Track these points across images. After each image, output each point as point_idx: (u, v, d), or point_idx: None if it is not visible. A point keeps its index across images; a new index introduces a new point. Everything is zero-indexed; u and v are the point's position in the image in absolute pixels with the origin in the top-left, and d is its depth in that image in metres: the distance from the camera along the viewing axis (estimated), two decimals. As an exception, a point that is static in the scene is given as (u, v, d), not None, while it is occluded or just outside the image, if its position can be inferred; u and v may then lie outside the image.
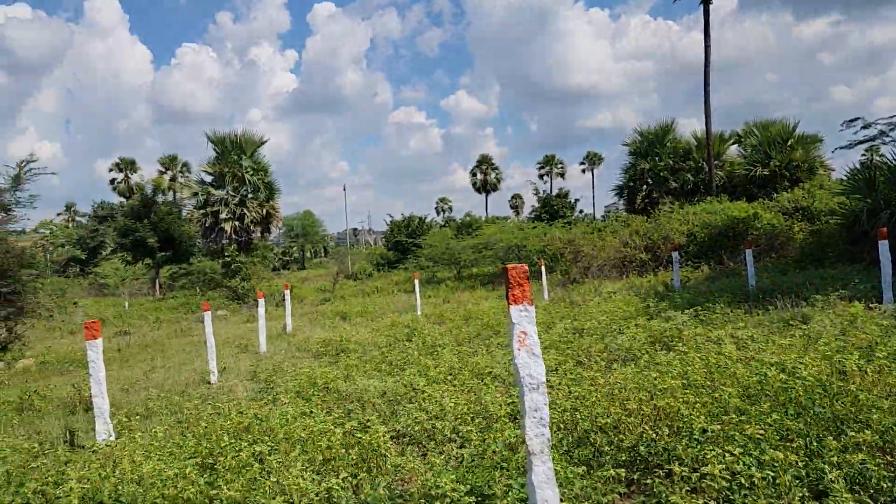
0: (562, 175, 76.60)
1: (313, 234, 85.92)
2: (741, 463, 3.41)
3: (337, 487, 3.90)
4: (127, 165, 68.44)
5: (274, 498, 3.79)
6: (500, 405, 5.65)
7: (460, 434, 5.15)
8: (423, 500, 3.70)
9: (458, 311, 17.37)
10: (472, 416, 5.57)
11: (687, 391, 4.78)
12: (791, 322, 9.46)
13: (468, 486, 3.64)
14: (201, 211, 31.39)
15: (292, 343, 15.60)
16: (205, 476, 4.29)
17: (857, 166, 18.68)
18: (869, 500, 3.14)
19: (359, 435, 4.81)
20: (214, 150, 32.47)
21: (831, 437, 3.67)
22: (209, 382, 11.03)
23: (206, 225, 31.49)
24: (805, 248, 19.51)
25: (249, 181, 31.63)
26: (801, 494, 3.18)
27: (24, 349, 15.73)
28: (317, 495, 3.88)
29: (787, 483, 3.24)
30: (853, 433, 3.61)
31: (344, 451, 4.61)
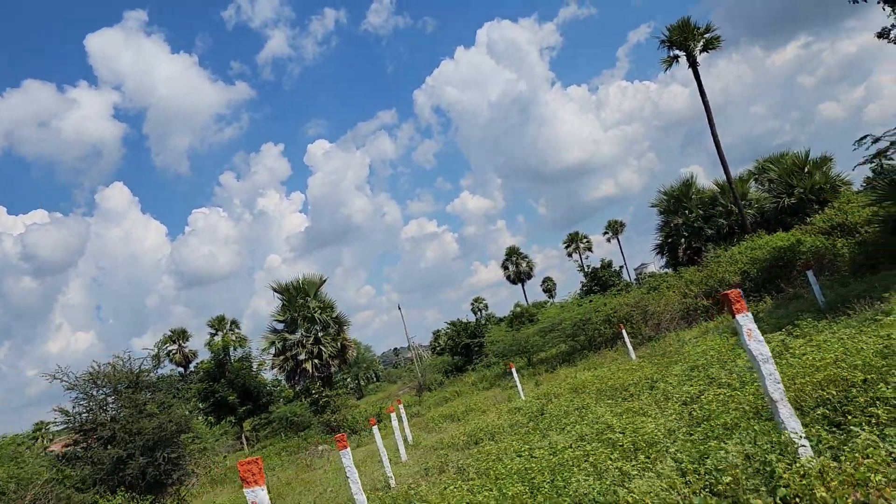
0: (589, 249, 78.90)
1: (364, 362, 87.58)
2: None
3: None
4: (179, 336, 71.37)
5: None
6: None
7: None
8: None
9: (561, 386, 18.86)
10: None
11: (838, 365, 6.54)
12: (877, 318, 11.06)
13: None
14: (281, 357, 33.48)
15: (425, 447, 17.26)
16: None
17: (871, 175, 20.43)
18: None
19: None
20: (280, 298, 34.94)
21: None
22: (389, 486, 12.67)
23: (289, 369, 33.50)
24: (856, 260, 21.07)
25: (319, 319, 33.88)
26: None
27: (188, 507, 17.39)
28: None
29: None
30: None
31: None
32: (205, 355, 60.13)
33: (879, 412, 4.82)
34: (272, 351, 33.96)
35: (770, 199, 31.67)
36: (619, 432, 7.49)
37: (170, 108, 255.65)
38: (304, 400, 34.45)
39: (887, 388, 5.19)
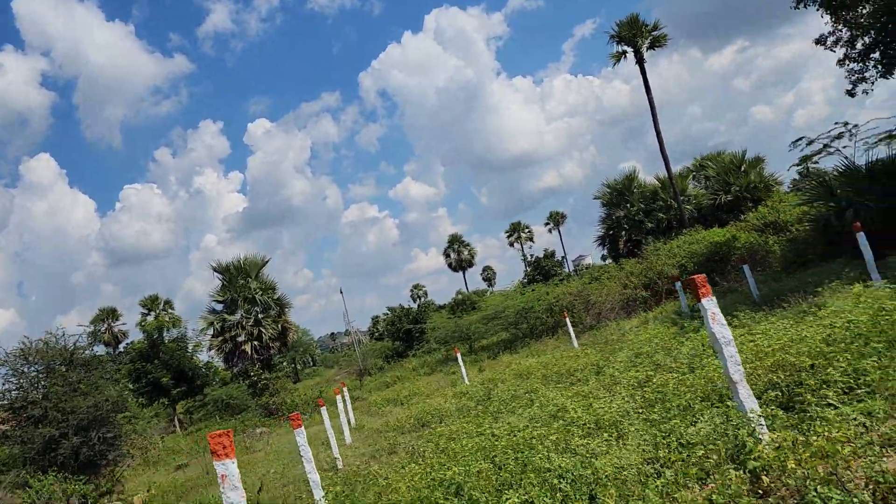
0: (531, 239, 79.94)
1: (301, 346, 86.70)
2: (846, 376, 5.49)
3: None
4: (108, 315, 69.15)
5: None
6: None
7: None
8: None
9: (505, 372, 19.11)
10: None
11: (785, 351, 6.88)
12: (811, 312, 11.63)
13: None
14: (220, 338, 32.85)
15: (370, 430, 17.29)
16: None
17: (797, 177, 21.63)
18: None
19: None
20: (219, 278, 34.25)
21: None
22: (336, 468, 12.66)
23: (227, 350, 32.90)
24: (787, 257, 22.05)
25: (260, 301, 33.35)
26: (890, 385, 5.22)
27: (123, 492, 16.96)
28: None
29: (877, 379, 5.31)
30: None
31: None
32: (136, 336, 58.42)
33: (829, 394, 5.11)
34: (210, 332, 33.27)
35: (708, 196, 32.79)
36: (575, 414, 7.68)
37: (103, 77, 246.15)
38: (241, 382, 33.94)
39: (835, 372, 5.49)
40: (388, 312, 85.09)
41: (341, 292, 57.37)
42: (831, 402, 4.99)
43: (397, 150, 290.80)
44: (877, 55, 18.70)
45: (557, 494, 3.91)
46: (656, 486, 3.68)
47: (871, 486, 3.23)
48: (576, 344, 20.89)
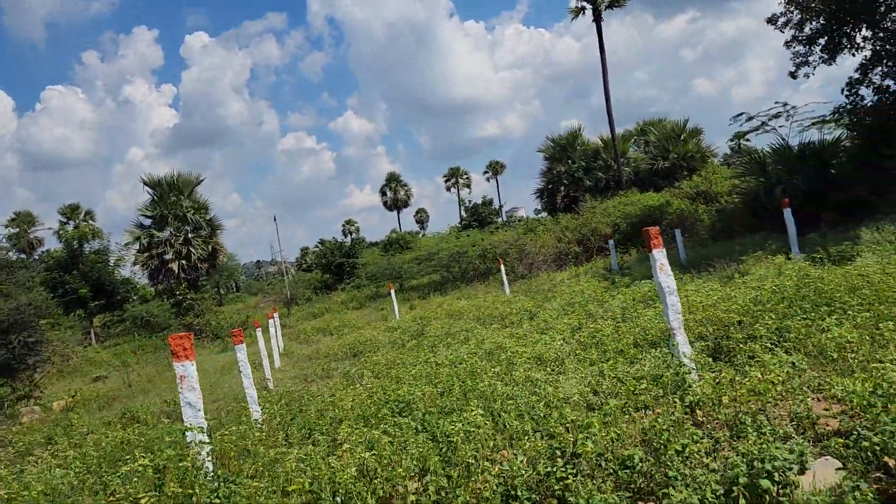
0: (468, 185, 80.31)
1: (226, 270, 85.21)
2: (771, 333, 5.97)
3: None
4: (24, 220, 66.19)
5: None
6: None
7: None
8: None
9: (436, 311, 19.48)
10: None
11: (715, 308, 7.37)
12: (734, 277, 12.33)
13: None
14: (146, 254, 32.03)
15: (300, 356, 17.47)
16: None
17: (729, 152, 22.61)
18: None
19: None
20: (150, 193, 33.20)
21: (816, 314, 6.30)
22: (267, 388, 12.81)
23: (153, 267, 32.16)
24: (715, 226, 23.06)
25: (191, 220, 32.59)
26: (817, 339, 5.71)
27: (41, 398, 16.69)
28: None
29: (805, 330, 5.79)
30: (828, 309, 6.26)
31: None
32: (52, 244, 56.16)
33: (756, 346, 5.57)
34: (136, 247, 32.37)
35: (647, 161, 33.66)
36: (515, 350, 8.04)
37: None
38: (165, 301, 33.33)
39: (762, 329, 5.97)
40: (319, 245, 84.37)
41: (275, 220, 56.35)
42: (756, 354, 5.44)
43: (341, 83, 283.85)
44: (823, 41, 19.37)
45: (511, 415, 4.19)
46: (602, 413, 4.00)
47: (794, 422, 3.63)
48: (507, 291, 21.40)
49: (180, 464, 4.09)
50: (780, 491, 2.87)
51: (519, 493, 3.30)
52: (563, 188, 35.12)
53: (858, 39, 18.67)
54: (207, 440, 4.81)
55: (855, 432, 3.27)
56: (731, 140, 30.29)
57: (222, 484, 3.93)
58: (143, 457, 4.41)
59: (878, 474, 3.07)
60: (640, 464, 3.25)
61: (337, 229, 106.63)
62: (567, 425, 4.00)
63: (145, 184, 33.01)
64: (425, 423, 4.45)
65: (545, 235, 27.67)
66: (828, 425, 3.66)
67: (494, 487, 3.29)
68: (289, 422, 6.82)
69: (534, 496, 3.32)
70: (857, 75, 17.69)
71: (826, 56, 19.42)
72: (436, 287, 30.42)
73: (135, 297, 46.43)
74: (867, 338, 4.56)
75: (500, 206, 39.05)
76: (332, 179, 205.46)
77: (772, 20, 21.08)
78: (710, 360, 5.62)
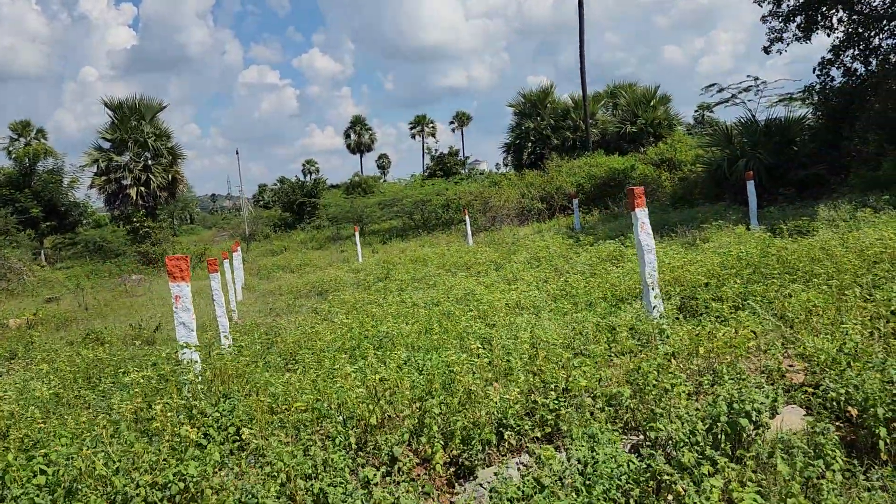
0: (433, 135, 79.79)
1: (181, 201, 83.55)
2: (737, 296, 6.31)
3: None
4: (-30, 132, 63.47)
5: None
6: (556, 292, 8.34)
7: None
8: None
9: (400, 257, 19.63)
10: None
11: (684, 269, 7.70)
12: (696, 243, 12.75)
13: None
14: (104, 178, 31.27)
15: (262, 290, 17.51)
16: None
17: (692, 122, 23.07)
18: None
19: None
20: (110, 115, 32.23)
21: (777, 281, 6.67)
22: (232, 319, 12.88)
23: (110, 192, 31.47)
24: (676, 193, 23.59)
25: (152, 146, 31.83)
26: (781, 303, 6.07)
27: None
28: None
29: (773, 294, 6.14)
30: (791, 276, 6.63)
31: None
32: (2, 161, 53.86)
33: (724, 307, 5.89)
34: (94, 170, 31.55)
35: (615, 124, 33.97)
36: (490, 296, 8.27)
37: None
38: (121, 227, 32.68)
39: (729, 291, 6.30)
40: (279, 183, 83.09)
41: (237, 154, 55.30)
42: (723, 314, 5.77)
43: (308, 18, 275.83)
44: (799, 19, 19.66)
45: (499, 352, 4.40)
46: (589, 355, 4.25)
47: (765, 374, 3.94)
48: (471, 241, 21.65)
49: (182, 377, 4.21)
50: (755, 431, 3.16)
51: (511, 423, 3.54)
52: (530, 144, 35.29)
53: (834, 21, 19.04)
54: (198, 359, 4.94)
55: (822, 384, 3.59)
56: (697, 110, 30.89)
57: (222, 399, 4.08)
58: (137, 371, 4.50)
59: (838, 423, 3.39)
60: (629, 400, 3.51)
61: (296, 168, 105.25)
62: (560, 362, 4.24)
63: (106, 105, 32.00)
64: (413, 357, 4.63)
65: (510, 190, 27.90)
66: (793, 379, 3.98)
67: (494, 412, 3.52)
68: (266, 350, 6.95)
69: (526, 425, 3.57)
70: (830, 56, 18.09)
71: (801, 34, 19.75)
72: (397, 233, 30.52)
73: (87, 222, 45.36)
74: (832, 303, 4.90)
75: (467, 158, 39.02)
76: (294, 118, 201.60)
77: (750, -10, 21.24)
78: (681, 317, 5.93)
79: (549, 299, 7.96)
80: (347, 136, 79.28)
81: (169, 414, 3.55)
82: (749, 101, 21.87)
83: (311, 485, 2.86)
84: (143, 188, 31.34)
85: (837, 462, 2.89)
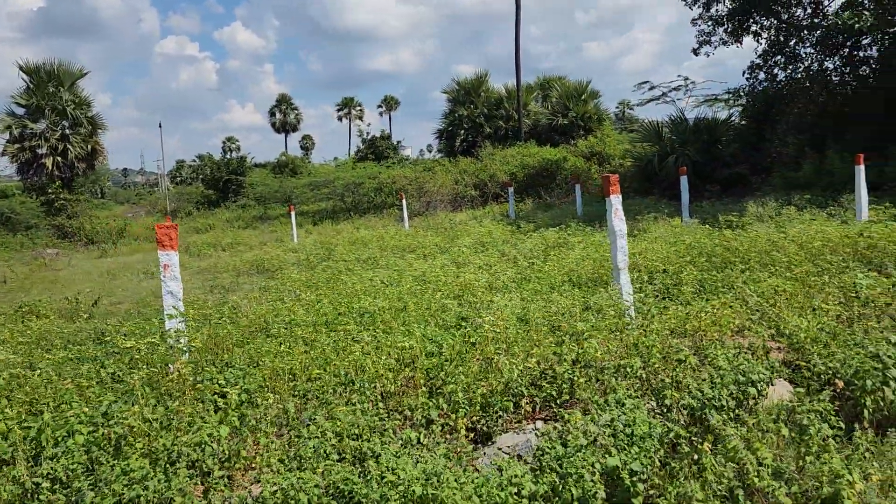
0: (360, 118, 78.96)
1: (95, 174, 79.62)
2: (694, 278, 6.69)
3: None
4: None
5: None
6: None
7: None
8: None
9: (336, 238, 19.48)
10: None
11: (643, 257, 8.07)
12: (635, 233, 13.27)
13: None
14: (17, 145, 29.48)
15: (195, 268, 17.06)
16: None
17: (614, 118, 24.00)
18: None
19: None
20: (26, 80, 30.42)
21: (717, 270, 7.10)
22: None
23: (23, 160, 29.72)
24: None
25: (71, 115, 30.21)
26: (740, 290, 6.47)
27: None
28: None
29: (737, 279, 6.53)
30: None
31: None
32: None
33: (684, 291, 6.25)
34: (6, 136, 29.70)
35: (546, 116, 34.66)
36: (445, 280, 8.39)
37: None
38: (34, 198, 30.98)
39: (687, 277, 6.68)
40: (198, 159, 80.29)
41: (160, 127, 53.17)
42: (686, 298, 6.12)
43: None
44: (728, 24, 20.58)
45: (484, 330, 4.53)
46: (592, 332, 4.45)
47: (751, 351, 4.25)
48: (407, 225, 21.71)
49: (183, 345, 4.16)
50: (756, 399, 3.44)
51: (524, 391, 3.70)
52: (463, 132, 35.55)
53: (758, 28, 20.04)
54: (184, 331, 4.87)
55: (809, 359, 3.93)
56: (618, 106, 31.85)
57: (225, 367, 4.06)
58: (131, 339, 4.41)
59: (824, 394, 3.72)
60: (641, 370, 3.74)
61: (214, 144, 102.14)
62: (569, 334, 4.42)
63: (21, 69, 30.12)
64: (419, 330, 4.71)
65: (444, 176, 28.09)
66: (775, 356, 4.32)
67: (516, 377, 3.67)
68: (233, 323, 6.85)
69: (543, 393, 3.74)
70: (758, 61, 19.04)
71: (728, 38, 20.68)
72: (328, 215, 30.19)
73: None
74: (800, 289, 5.30)
75: (398, 143, 38.92)
76: (213, 92, 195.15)
77: (680, -7, 22.01)
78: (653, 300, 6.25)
79: (510, 282, 8.16)
80: (272, 114, 77.51)
81: (188, 379, 3.52)
82: (678, 99, 22.86)
83: (360, 444, 2.93)
84: (59, 158, 29.73)
85: (830, 427, 3.20)
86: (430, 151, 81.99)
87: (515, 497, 2.53)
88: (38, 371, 3.89)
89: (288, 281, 11.31)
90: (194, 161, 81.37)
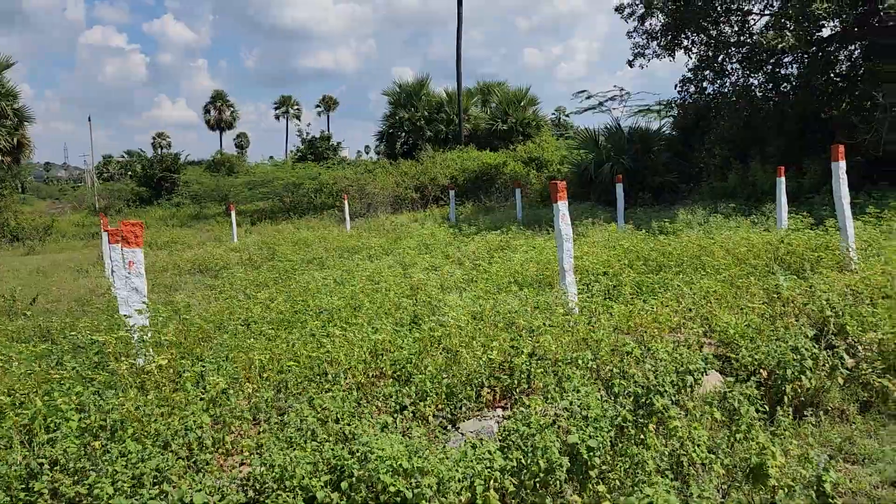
0: (298, 117, 78.23)
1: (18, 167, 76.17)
2: (633, 280, 7.17)
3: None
4: None
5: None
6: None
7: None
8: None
9: (277, 238, 19.42)
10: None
11: (582, 260, 8.51)
12: (574, 238, 13.79)
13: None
14: (-64, 136, 28.20)
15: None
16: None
17: (550, 124, 24.73)
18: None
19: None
20: (-54, 68, 29.14)
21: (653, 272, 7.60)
22: (109, 291, 12.36)
23: (-57, 153, 28.47)
24: (545, 191, 25.03)
25: (-5, 106, 29.09)
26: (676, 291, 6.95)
27: None
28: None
29: (674, 281, 7.02)
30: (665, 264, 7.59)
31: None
32: None
33: (624, 291, 6.69)
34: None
35: (486, 121, 35.28)
36: (391, 278, 8.65)
37: None
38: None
39: (626, 279, 7.14)
40: (126, 155, 77.83)
41: (89, 121, 51.41)
42: (626, 298, 6.56)
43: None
44: (661, 38, 21.47)
45: (440, 330, 4.82)
46: (546, 328, 4.79)
47: (687, 345, 4.69)
48: (349, 227, 21.82)
49: (150, 339, 4.30)
50: (693, 387, 3.85)
51: (486, 382, 4.02)
52: (403, 134, 35.84)
53: (689, 44, 21.01)
54: (149, 326, 4.98)
55: (737, 352, 4.39)
56: (554, 113, 32.72)
57: (196, 361, 4.22)
58: (98, 333, 4.51)
59: (751, 382, 4.17)
60: (591, 362, 4.10)
61: (143, 140, 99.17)
62: (525, 329, 4.75)
63: (-60, 56, 28.86)
64: (377, 327, 4.96)
65: (385, 178, 28.29)
66: (707, 350, 4.77)
67: (477, 369, 3.98)
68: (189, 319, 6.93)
69: (503, 383, 4.06)
70: (689, 75, 19.97)
71: (661, 52, 21.59)
72: (267, 215, 29.93)
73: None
74: (729, 290, 5.80)
75: (339, 143, 38.87)
76: (143, 87, 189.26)
77: (619, 9, 22.79)
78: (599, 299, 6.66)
79: (460, 283, 8.48)
80: (207, 111, 75.86)
81: (167, 370, 3.68)
82: (614, 109, 23.72)
83: (343, 427, 3.18)
84: (-18, 151, 28.60)
85: (757, 410, 3.63)
86: (367, 153, 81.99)
87: (489, 471, 2.83)
88: (16, 362, 3.97)
89: (235, 280, 11.34)
90: (123, 157, 78.98)
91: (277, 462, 2.72)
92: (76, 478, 2.68)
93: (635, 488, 2.78)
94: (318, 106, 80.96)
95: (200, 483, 2.62)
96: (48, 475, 2.65)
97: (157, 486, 2.63)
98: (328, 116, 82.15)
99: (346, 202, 22.23)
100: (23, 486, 2.60)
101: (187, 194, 36.37)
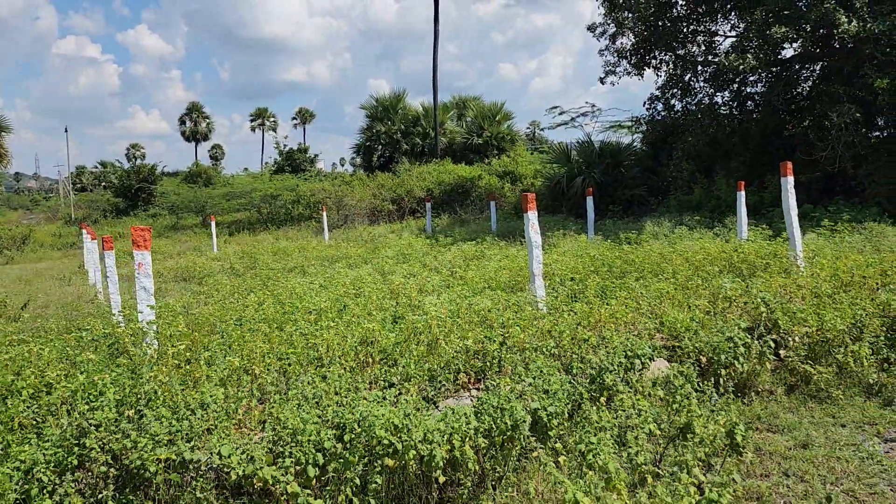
0: (274, 129, 78.54)
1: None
2: (597, 284, 7.79)
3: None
4: None
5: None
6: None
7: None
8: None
9: (257, 248, 19.84)
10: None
11: (551, 267, 9.13)
12: (545, 247, 14.44)
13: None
14: (-90, 146, 28.23)
15: (120, 276, 17.08)
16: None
17: (524, 138, 25.53)
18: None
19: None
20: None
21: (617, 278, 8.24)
22: (98, 297, 12.74)
23: (-83, 162, 28.47)
24: (518, 204, 25.75)
25: (-29, 116, 29.19)
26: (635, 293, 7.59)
27: None
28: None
29: (620, 285, 7.65)
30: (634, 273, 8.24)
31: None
32: None
33: (588, 294, 7.31)
34: None
35: (462, 134, 36.05)
36: (372, 284, 9.20)
37: None
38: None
39: (592, 283, 7.76)
40: (100, 166, 77.46)
41: (66, 131, 51.21)
42: (589, 300, 7.17)
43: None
44: (631, 57, 22.32)
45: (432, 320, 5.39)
46: (515, 320, 5.36)
47: (639, 336, 5.30)
48: (327, 238, 22.29)
49: (159, 332, 4.80)
50: (640, 370, 4.46)
51: (461, 367, 4.59)
52: (380, 147, 36.44)
53: (658, 63, 21.89)
54: (157, 321, 5.48)
55: (682, 342, 5.03)
56: (528, 127, 33.64)
57: (203, 351, 4.74)
58: (111, 328, 5.01)
59: (690, 363, 4.80)
60: (554, 349, 4.68)
61: (116, 151, 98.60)
62: (497, 323, 5.33)
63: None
64: (354, 323, 5.51)
65: (362, 190, 28.84)
66: (657, 341, 5.39)
67: (454, 356, 4.54)
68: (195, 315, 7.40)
69: (476, 367, 4.64)
70: (657, 93, 20.83)
71: (631, 70, 22.45)
72: (245, 226, 30.29)
73: None
74: (680, 291, 6.45)
75: (316, 156, 39.33)
76: (115, 97, 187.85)
77: (591, 28, 23.63)
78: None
79: (438, 287, 9.05)
80: (182, 122, 75.89)
81: (183, 356, 4.20)
82: (586, 124, 24.54)
83: (341, 398, 3.72)
84: (-42, 161, 28.66)
85: (694, 388, 4.24)
86: (342, 165, 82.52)
87: (466, 428, 3.39)
88: (48, 349, 4.45)
89: (221, 286, 11.78)
90: (96, 167, 78.59)
91: (290, 422, 3.25)
92: (118, 436, 3.19)
93: (582, 437, 3.36)
94: (294, 118, 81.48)
95: (226, 439, 3.15)
96: (95, 434, 3.16)
97: (189, 443, 3.14)
98: (304, 129, 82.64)
99: (324, 213, 22.69)
100: (76, 443, 3.10)
101: (164, 205, 36.57)
